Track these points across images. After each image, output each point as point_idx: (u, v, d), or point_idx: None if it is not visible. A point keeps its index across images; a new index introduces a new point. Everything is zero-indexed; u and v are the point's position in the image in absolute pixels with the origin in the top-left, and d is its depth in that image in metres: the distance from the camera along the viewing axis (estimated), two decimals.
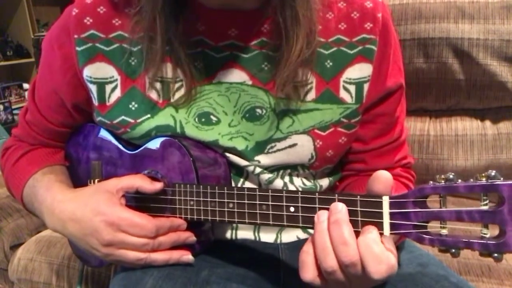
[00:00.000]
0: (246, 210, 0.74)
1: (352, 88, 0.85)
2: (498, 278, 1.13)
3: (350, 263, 0.60)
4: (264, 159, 0.87)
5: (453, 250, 0.59)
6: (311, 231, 0.66)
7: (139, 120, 0.85)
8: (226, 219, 0.76)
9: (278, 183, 0.88)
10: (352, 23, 0.84)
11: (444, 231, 0.60)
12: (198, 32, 0.83)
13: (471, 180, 0.58)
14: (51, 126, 0.96)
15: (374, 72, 0.85)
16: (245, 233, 0.93)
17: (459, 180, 0.59)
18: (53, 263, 1.35)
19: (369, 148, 0.92)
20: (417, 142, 1.42)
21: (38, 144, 1.00)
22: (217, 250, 0.89)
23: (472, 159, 1.38)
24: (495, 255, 0.57)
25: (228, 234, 0.92)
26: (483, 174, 0.57)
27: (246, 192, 0.73)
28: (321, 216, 0.65)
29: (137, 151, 0.88)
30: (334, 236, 0.62)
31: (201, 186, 0.78)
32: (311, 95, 0.84)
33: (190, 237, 0.82)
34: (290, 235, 0.94)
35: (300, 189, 0.90)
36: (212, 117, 0.85)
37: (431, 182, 0.60)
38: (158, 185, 0.80)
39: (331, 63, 0.84)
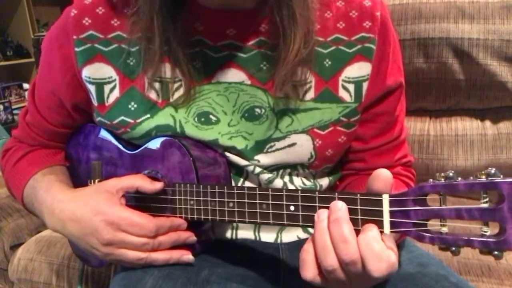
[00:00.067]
0: (246, 210, 0.74)
1: (351, 87, 0.85)
2: (498, 278, 1.13)
3: (351, 261, 0.60)
4: (264, 158, 0.87)
5: (453, 248, 0.59)
6: (311, 230, 0.66)
7: (138, 120, 0.85)
8: (226, 218, 0.76)
9: (278, 183, 0.88)
10: (350, 22, 0.84)
11: (444, 229, 0.60)
12: (197, 32, 0.83)
13: (471, 178, 0.58)
14: (51, 127, 0.97)
15: (373, 71, 0.85)
16: (245, 233, 0.93)
17: (459, 178, 0.58)
18: (53, 263, 1.35)
19: (369, 147, 0.92)
20: (417, 142, 1.42)
21: (38, 145, 1.00)
22: (217, 249, 0.89)
23: (472, 159, 1.38)
24: (496, 253, 0.57)
25: (229, 234, 0.92)
26: (483, 172, 0.57)
27: (246, 192, 0.73)
28: (321, 215, 0.65)
29: (137, 151, 0.88)
30: (334, 235, 0.62)
31: (201, 186, 0.78)
32: (310, 94, 0.84)
33: (190, 236, 0.82)
34: (290, 235, 0.94)
35: (300, 188, 0.90)
36: (211, 116, 0.85)
37: (431, 180, 0.60)
38: (158, 185, 0.80)
39: (330, 62, 0.84)
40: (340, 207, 0.64)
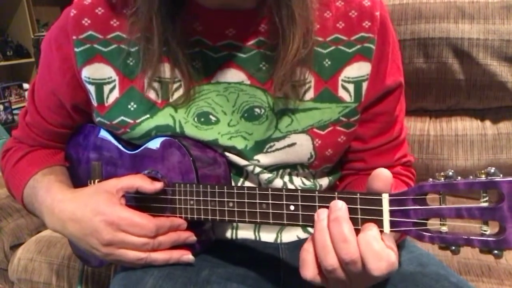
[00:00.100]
0: (246, 209, 0.74)
1: (351, 87, 0.85)
2: (498, 278, 1.12)
3: (350, 261, 0.60)
4: (264, 158, 0.87)
5: (453, 247, 0.59)
6: (311, 230, 0.66)
7: (138, 121, 0.85)
8: (226, 218, 0.76)
9: (278, 183, 0.88)
10: (350, 22, 0.84)
11: (444, 228, 0.60)
12: (196, 32, 0.83)
13: (471, 177, 0.58)
14: (51, 127, 0.97)
15: (373, 71, 0.85)
16: (245, 233, 0.92)
17: (459, 177, 0.59)
18: (53, 263, 1.35)
19: (369, 147, 0.92)
20: (417, 142, 1.42)
21: (38, 146, 1.00)
22: (217, 249, 0.89)
23: (472, 159, 1.38)
24: (495, 252, 0.57)
25: (229, 234, 0.92)
26: (483, 171, 0.57)
27: (246, 191, 0.74)
28: (321, 214, 0.65)
29: (137, 151, 0.88)
30: (334, 234, 0.62)
31: (201, 186, 0.78)
32: (310, 94, 0.84)
33: (190, 236, 0.82)
34: (290, 235, 0.94)
35: (299, 188, 0.90)
36: (211, 116, 0.85)
37: (431, 179, 0.60)
38: (158, 185, 0.80)
39: (329, 62, 0.84)
40: (340, 206, 0.64)
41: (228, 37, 0.83)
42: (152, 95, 0.85)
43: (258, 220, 0.73)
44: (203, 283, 0.79)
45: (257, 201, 0.72)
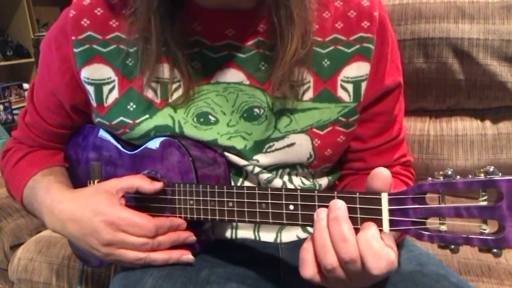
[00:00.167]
0: (246, 209, 0.74)
1: (350, 87, 0.85)
2: (498, 278, 1.12)
3: (350, 260, 0.60)
4: (263, 158, 0.87)
5: (453, 246, 0.59)
6: (311, 230, 0.66)
7: (137, 121, 0.85)
8: (226, 218, 0.76)
9: (277, 183, 0.88)
10: (349, 22, 0.84)
11: (443, 227, 0.60)
12: (195, 32, 0.84)
13: (470, 176, 0.58)
14: (50, 128, 0.97)
15: (372, 71, 0.85)
16: (245, 233, 0.92)
17: (458, 177, 0.59)
18: (53, 263, 1.35)
19: (368, 147, 0.92)
20: (417, 142, 1.42)
21: (37, 146, 1.00)
22: (217, 249, 0.89)
23: (472, 159, 1.38)
24: (494, 250, 0.57)
25: (228, 234, 0.92)
26: (481, 170, 0.57)
27: (245, 191, 0.74)
28: (321, 214, 0.65)
29: (136, 151, 0.88)
30: (333, 233, 0.62)
31: (201, 186, 0.78)
32: (309, 94, 0.84)
33: (189, 236, 0.82)
34: (290, 235, 0.94)
35: (299, 188, 0.90)
36: (210, 117, 0.85)
37: (430, 178, 0.60)
38: (157, 185, 0.80)
39: (328, 62, 0.84)
40: (339, 205, 0.64)
41: (228, 37, 0.83)
42: (151, 95, 0.85)
43: (258, 220, 0.73)
44: (202, 283, 0.79)
45: (257, 200, 0.72)
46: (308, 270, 0.65)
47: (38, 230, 1.58)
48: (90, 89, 0.86)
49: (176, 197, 0.80)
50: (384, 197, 0.63)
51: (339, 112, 0.85)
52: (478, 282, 1.12)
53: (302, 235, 0.94)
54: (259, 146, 0.86)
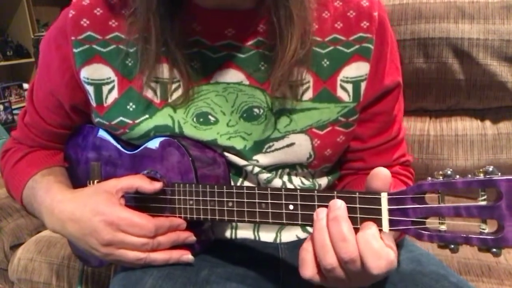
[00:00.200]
0: (246, 209, 0.74)
1: (349, 87, 0.85)
2: (498, 278, 1.12)
3: (350, 260, 0.60)
4: (263, 158, 0.87)
5: (452, 246, 0.59)
6: (311, 229, 0.66)
7: (137, 121, 0.85)
8: (226, 218, 0.76)
9: (277, 183, 0.88)
10: (348, 22, 0.84)
11: (443, 227, 0.60)
12: (195, 32, 0.83)
13: (469, 175, 0.58)
14: (50, 128, 0.97)
15: (371, 71, 0.85)
16: (244, 233, 0.93)
17: (457, 176, 0.59)
18: (53, 263, 1.35)
19: (367, 147, 0.92)
20: (417, 142, 1.41)
21: (37, 146, 1.00)
22: (216, 249, 0.89)
23: (472, 159, 1.38)
24: (494, 250, 0.57)
25: (228, 234, 0.92)
26: (481, 170, 0.57)
27: (245, 191, 0.74)
28: (320, 214, 0.65)
29: (136, 151, 0.88)
30: (333, 233, 0.62)
31: (200, 186, 0.78)
32: (308, 95, 0.84)
33: (189, 237, 0.82)
34: (289, 235, 0.94)
35: (298, 188, 0.90)
36: (210, 117, 0.85)
37: (429, 178, 0.60)
38: (157, 185, 0.80)
39: (328, 62, 0.84)
40: (339, 205, 0.64)
41: (227, 37, 0.83)
42: (151, 95, 0.85)
43: (258, 220, 0.73)
44: (202, 283, 0.79)
45: (256, 200, 0.72)
46: (308, 270, 0.65)
47: (38, 230, 1.58)
48: (90, 89, 0.86)
49: (176, 197, 0.80)
50: (384, 197, 0.63)
51: (339, 112, 0.85)
52: (478, 282, 1.12)
53: (302, 235, 0.94)
54: (259, 146, 0.86)
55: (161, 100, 0.85)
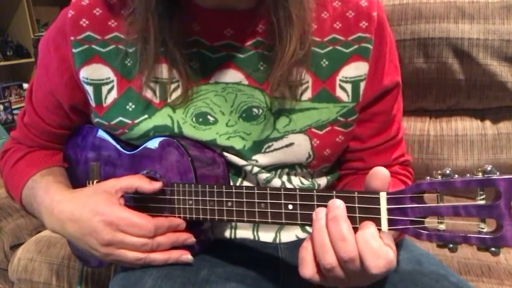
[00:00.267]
0: (245, 209, 0.74)
1: (349, 87, 0.85)
2: (498, 278, 1.12)
3: (349, 259, 0.61)
4: (262, 158, 0.87)
5: (451, 245, 0.59)
6: (310, 229, 0.66)
7: (136, 121, 0.85)
8: (225, 218, 0.76)
9: (276, 183, 0.88)
10: (347, 22, 0.84)
11: (442, 226, 0.60)
12: (194, 32, 0.84)
13: (468, 175, 0.58)
14: (49, 128, 0.97)
15: (370, 71, 0.85)
16: (244, 233, 0.92)
17: (456, 176, 0.59)
18: (53, 263, 1.35)
19: (367, 147, 0.92)
20: (417, 142, 1.42)
21: (36, 146, 1.00)
22: (216, 249, 0.89)
23: (472, 159, 1.38)
24: (493, 249, 0.57)
25: (227, 234, 0.92)
26: (480, 169, 0.57)
27: (244, 191, 0.74)
28: (319, 213, 0.65)
29: (135, 151, 0.88)
30: (332, 233, 0.62)
31: (200, 186, 0.78)
32: (307, 94, 0.84)
33: (189, 238, 0.82)
34: (289, 235, 0.94)
35: (298, 188, 0.90)
36: (209, 117, 0.85)
37: (428, 177, 0.60)
38: (157, 185, 0.80)
39: (327, 62, 0.84)
40: (338, 205, 0.64)
41: (226, 37, 0.83)
42: (150, 95, 0.85)
43: (257, 220, 0.73)
44: (202, 283, 0.79)
45: (256, 200, 0.73)
46: (308, 269, 0.65)
47: (38, 230, 1.58)
48: (89, 89, 0.86)
49: (175, 197, 0.80)
50: (383, 197, 0.63)
51: (338, 112, 0.85)
52: (478, 282, 1.12)
53: (302, 235, 0.94)
54: (258, 146, 0.86)
55: (160, 100, 0.85)
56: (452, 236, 0.59)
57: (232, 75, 0.84)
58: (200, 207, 0.78)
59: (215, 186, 0.76)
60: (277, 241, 0.93)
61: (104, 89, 0.85)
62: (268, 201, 0.71)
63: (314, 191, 0.68)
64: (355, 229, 0.63)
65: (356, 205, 0.64)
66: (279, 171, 0.89)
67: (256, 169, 0.87)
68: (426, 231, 0.61)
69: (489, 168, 0.56)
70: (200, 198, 0.78)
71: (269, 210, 0.72)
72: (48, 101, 0.93)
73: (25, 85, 4.53)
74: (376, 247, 0.60)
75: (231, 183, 0.88)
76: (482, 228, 0.58)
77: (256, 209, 0.73)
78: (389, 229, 0.63)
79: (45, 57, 0.91)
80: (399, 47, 1.31)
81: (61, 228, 0.83)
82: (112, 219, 0.77)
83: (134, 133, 0.86)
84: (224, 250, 0.90)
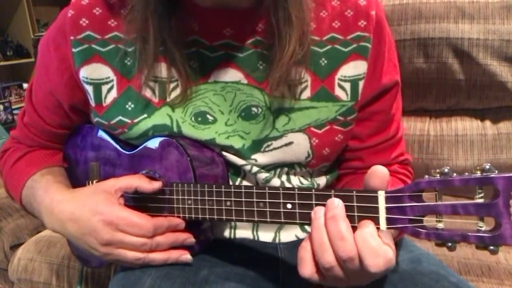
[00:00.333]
0: (244, 208, 0.74)
1: (347, 86, 0.85)
2: (498, 278, 1.12)
3: (348, 258, 0.60)
4: (261, 157, 0.87)
5: (449, 244, 0.59)
6: (309, 229, 0.66)
7: (136, 120, 0.85)
8: (224, 217, 0.76)
9: (275, 182, 0.88)
10: (346, 21, 0.84)
11: (440, 225, 0.60)
12: (193, 32, 0.84)
13: (466, 173, 0.58)
14: (49, 128, 0.97)
15: (369, 69, 0.85)
16: (243, 232, 0.92)
17: (454, 174, 0.59)
18: (53, 263, 1.35)
19: (366, 146, 0.92)
20: (417, 142, 1.42)
21: (36, 146, 1.00)
22: (216, 249, 0.89)
23: (472, 159, 1.37)
24: (491, 247, 0.57)
25: (227, 233, 0.92)
26: (478, 168, 0.57)
27: (243, 190, 0.74)
28: (318, 212, 0.65)
29: (134, 151, 0.88)
30: (331, 232, 0.62)
31: (199, 185, 0.78)
32: (306, 93, 0.85)
33: (188, 238, 0.82)
34: (289, 234, 0.94)
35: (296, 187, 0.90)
36: (208, 116, 0.85)
37: (427, 176, 0.60)
38: (156, 185, 0.80)
39: (325, 61, 0.84)
40: (336, 204, 0.64)
41: (225, 36, 0.83)
42: (149, 94, 0.85)
43: (256, 219, 0.73)
44: (201, 283, 0.79)
45: (254, 200, 0.73)
46: (307, 268, 0.65)
47: (38, 230, 1.58)
48: (89, 89, 0.86)
49: (174, 196, 0.81)
50: (381, 195, 0.63)
51: (337, 111, 0.85)
52: (478, 282, 1.11)
53: (301, 234, 0.94)
54: (257, 145, 0.86)
55: (159, 99, 0.85)
56: (451, 235, 0.59)
57: (231, 74, 0.84)
58: (199, 206, 0.78)
59: (214, 186, 0.76)
60: (277, 241, 0.93)
61: (104, 88, 0.86)
62: (267, 200, 0.71)
63: (313, 190, 0.68)
64: (354, 228, 0.63)
65: (355, 204, 0.64)
66: (278, 170, 0.89)
67: (255, 169, 0.87)
68: (424, 230, 0.61)
69: (487, 167, 0.56)
70: (199, 197, 0.78)
71: (267, 209, 0.72)
72: (48, 101, 0.93)
73: (25, 85, 4.53)
74: (375, 246, 0.60)
75: (230, 183, 0.88)
76: (480, 227, 0.58)
77: (255, 209, 0.73)
78: (387, 228, 0.63)
79: (45, 57, 0.91)
80: (399, 47, 1.31)
81: (61, 228, 0.83)
82: (111, 219, 0.77)
83: (133, 132, 0.86)
84: (223, 250, 0.90)
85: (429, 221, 0.61)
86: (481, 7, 1.28)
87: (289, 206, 0.70)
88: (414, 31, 1.32)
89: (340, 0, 0.85)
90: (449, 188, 0.59)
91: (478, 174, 0.57)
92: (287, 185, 0.89)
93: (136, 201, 0.83)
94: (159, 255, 0.80)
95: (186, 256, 0.82)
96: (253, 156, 0.86)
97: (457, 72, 1.33)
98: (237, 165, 0.87)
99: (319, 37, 0.84)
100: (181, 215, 0.81)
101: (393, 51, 0.90)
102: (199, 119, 0.85)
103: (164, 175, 0.83)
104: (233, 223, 0.92)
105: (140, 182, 0.80)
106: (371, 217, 0.63)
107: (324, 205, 0.65)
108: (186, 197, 0.79)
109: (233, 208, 0.75)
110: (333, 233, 0.62)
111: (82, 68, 0.85)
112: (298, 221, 0.69)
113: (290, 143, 0.86)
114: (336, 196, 0.65)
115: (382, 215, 0.63)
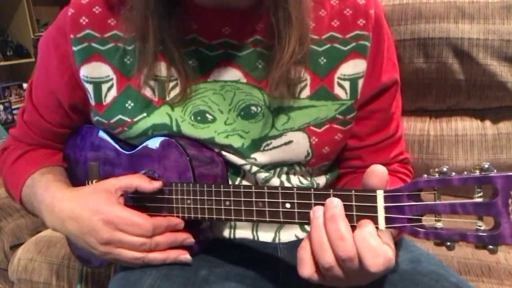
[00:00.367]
0: (243, 208, 0.74)
1: (347, 84, 0.85)
2: (498, 278, 1.12)
3: (347, 258, 0.60)
4: (260, 157, 0.87)
5: (448, 243, 0.59)
6: (309, 228, 0.66)
7: (135, 119, 0.85)
8: (223, 217, 0.76)
9: (275, 182, 0.88)
10: (345, 20, 0.84)
11: (439, 224, 0.60)
12: (192, 31, 0.84)
13: (465, 173, 0.58)
14: (49, 126, 0.97)
15: (369, 68, 0.85)
16: (243, 232, 0.92)
17: (453, 173, 0.58)
18: (53, 263, 1.35)
19: (365, 145, 0.92)
20: (417, 142, 1.41)
21: (36, 145, 1.00)
22: (215, 249, 0.89)
23: (472, 159, 1.37)
24: (490, 247, 0.57)
25: (227, 233, 0.92)
26: (477, 167, 0.57)
27: (242, 190, 0.74)
28: (317, 212, 0.65)
29: (134, 151, 0.88)
30: (330, 232, 0.62)
31: (198, 185, 0.78)
32: (306, 92, 0.85)
33: (187, 238, 0.82)
34: (288, 234, 0.94)
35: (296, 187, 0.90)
36: (207, 115, 0.85)
37: (425, 175, 0.60)
38: (156, 184, 0.80)
39: (325, 60, 0.84)
40: (335, 204, 0.64)
41: (225, 35, 0.83)
42: (149, 93, 0.85)
43: (255, 219, 0.73)
44: (201, 283, 0.79)
45: (253, 199, 0.73)
46: (306, 269, 0.65)
47: (38, 230, 1.58)
48: (89, 88, 0.86)
49: (174, 196, 0.81)
50: (380, 195, 0.63)
51: (336, 109, 0.85)
52: (478, 282, 1.11)
53: (301, 234, 0.94)
54: (257, 144, 0.86)
55: (159, 98, 0.85)
56: (450, 234, 0.59)
57: (231, 73, 0.84)
58: (198, 206, 0.78)
59: (213, 186, 0.76)
60: (277, 241, 0.93)
61: (104, 87, 0.86)
62: (266, 200, 0.71)
63: (312, 190, 0.68)
64: (353, 228, 0.63)
65: (354, 203, 0.64)
66: (278, 170, 0.89)
67: (254, 168, 0.87)
68: (423, 229, 0.60)
69: (486, 166, 0.56)
70: (198, 197, 0.78)
71: (266, 209, 0.72)
72: (48, 101, 0.93)
73: (25, 85, 4.51)
74: (374, 245, 0.60)
75: (230, 183, 0.88)
76: (479, 226, 0.58)
77: (254, 208, 0.73)
78: (386, 227, 0.63)
79: (45, 57, 0.92)
80: (399, 47, 1.31)
81: (62, 226, 0.84)
82: (111, 218, 0.77)
83: (133, 131, 0.86)
84: (223, 250, 0.90)
85: (428, 220, 0.61)
86: (481, 7, 1.28)
87: (288, 205, 0.70)
88: (414, 31, 1.31)
89: None
90: (447, 187, 0.58)
91: (477, 173, 0.57)
92: (287, 184, 0.89)
93: (136, 200, 0.83)
94: (158, 255, 0.80)
95: (185, 256, 0.82)
96: (252, 155, 0.86)
97: (457, 72, 1.33)
98: (236, 165, 0.87)
99: (318, 36, 0.84)
100: (180, 214, 0.81)
101: (392, 50, 0.90)
102: (199, 118, 0.85)
103: (163, 175, 0.83)
104: (232, 223, 0.92)
105: (140, 182, 0.80)
106: (370, 216, 0.63)
107: (323, 204, 0.65)
108: (185, 197, 0.79)
109: (232, 207, 0.75)
110: (333, 233, 0.62)
111: (82, 67, 0.85)
112: (297, 221, 0.69)
113: (290, 142, 0.86)
114: (335, 195, 0.65)
115: (381, 215, 0.63)
